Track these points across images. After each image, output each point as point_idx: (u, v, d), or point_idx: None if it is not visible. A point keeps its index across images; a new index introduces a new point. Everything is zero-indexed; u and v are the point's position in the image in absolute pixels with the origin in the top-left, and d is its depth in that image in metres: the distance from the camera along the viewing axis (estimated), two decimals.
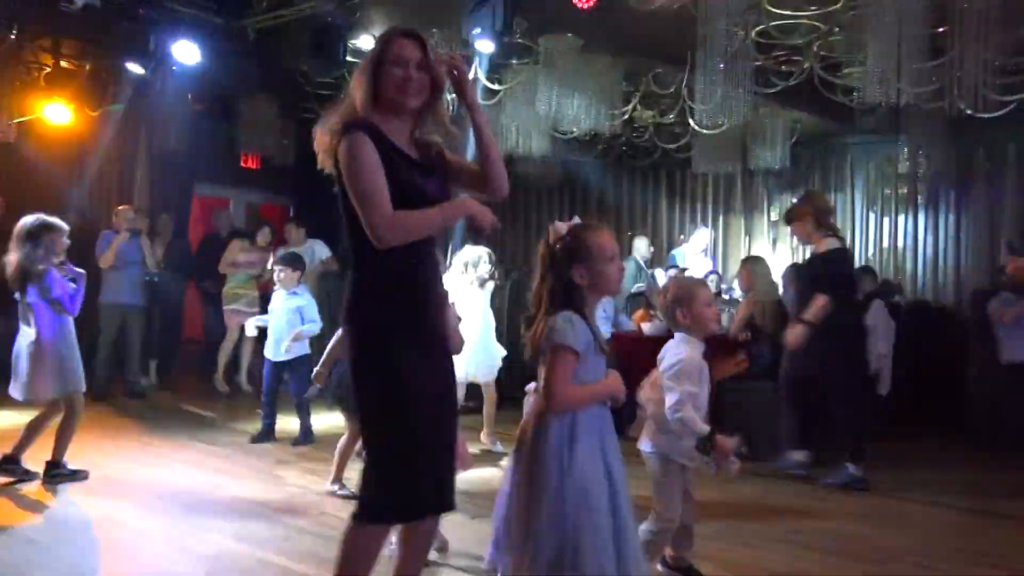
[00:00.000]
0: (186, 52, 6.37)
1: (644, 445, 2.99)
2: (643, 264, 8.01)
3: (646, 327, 6.13)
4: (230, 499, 4.32)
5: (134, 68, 6.67)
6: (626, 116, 7.21)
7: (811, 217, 5.05)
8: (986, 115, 5.46)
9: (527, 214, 11.62)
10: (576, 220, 2.36)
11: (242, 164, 9.89)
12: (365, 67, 2.27)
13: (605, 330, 5.80)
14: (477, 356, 5.39)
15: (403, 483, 2.19)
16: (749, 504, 4.48)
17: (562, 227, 2.30)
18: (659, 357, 2.99)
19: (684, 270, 7.58)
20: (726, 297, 7.40)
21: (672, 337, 3.03)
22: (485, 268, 5.59)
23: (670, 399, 2.83)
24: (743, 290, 6.38)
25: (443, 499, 2.29)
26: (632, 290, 7.34)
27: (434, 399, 2.22)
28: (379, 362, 2.17)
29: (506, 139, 7.23)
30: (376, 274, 2.19)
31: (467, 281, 5.54)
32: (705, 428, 2.80)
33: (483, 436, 5.63)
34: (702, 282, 3.13)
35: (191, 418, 6.72)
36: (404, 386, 2.17)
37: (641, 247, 8.38)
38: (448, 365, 2.35)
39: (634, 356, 4.83)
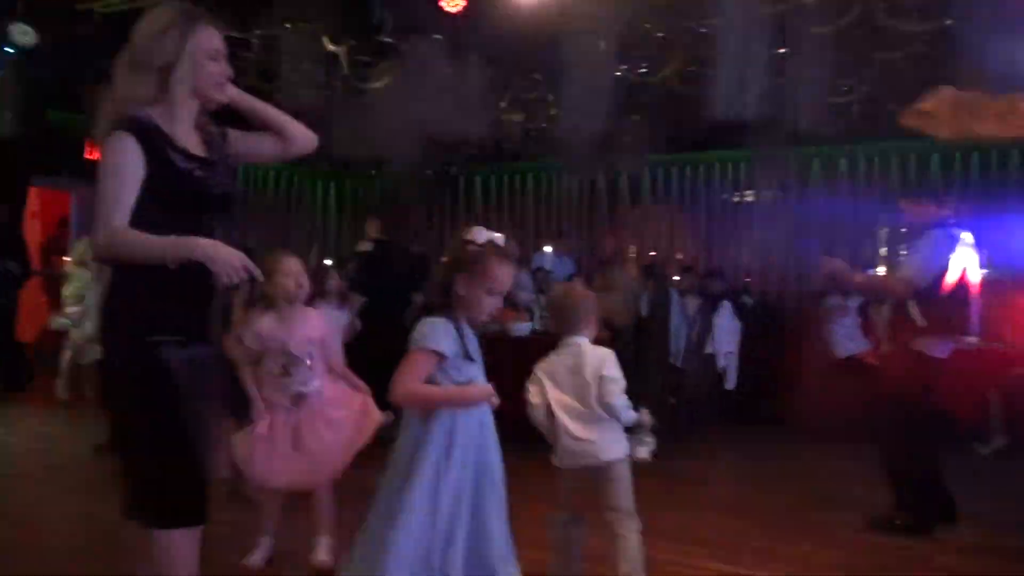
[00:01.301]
0: (23, 34, 5.89)
1: (610, 454, 2.86)
2: None
3: (511, 327, 6.22)
4: None
5: None
6: (494, 121, 7.30)
7: None
8: (823, 131, 5.97)
9: (396, 216, 11.52)
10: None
11: (86, 155, 9.22)
12: (150, 59, 2.07)
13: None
14: None
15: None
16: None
17: (481, 235, 2.29)
18: (544, 364, 2.96)
19: (549, 272, 7.75)
20: None
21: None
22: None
23: (623, 399, 2.83)
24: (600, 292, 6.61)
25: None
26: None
27: (200, 396, 2.11)
28: (141, 359, 2.05)
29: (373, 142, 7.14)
30: (141, 270, 2.03)
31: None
32: (633, 414, 2.85)
33: None
34: (595, 298, 3.12)
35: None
36: (171, 383, 2.05)
37: None
38: (213, 358, 2.24)
39: (498, 355, 4.91)
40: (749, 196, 9.72)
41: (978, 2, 4.61)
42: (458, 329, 2.22)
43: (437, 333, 2.19)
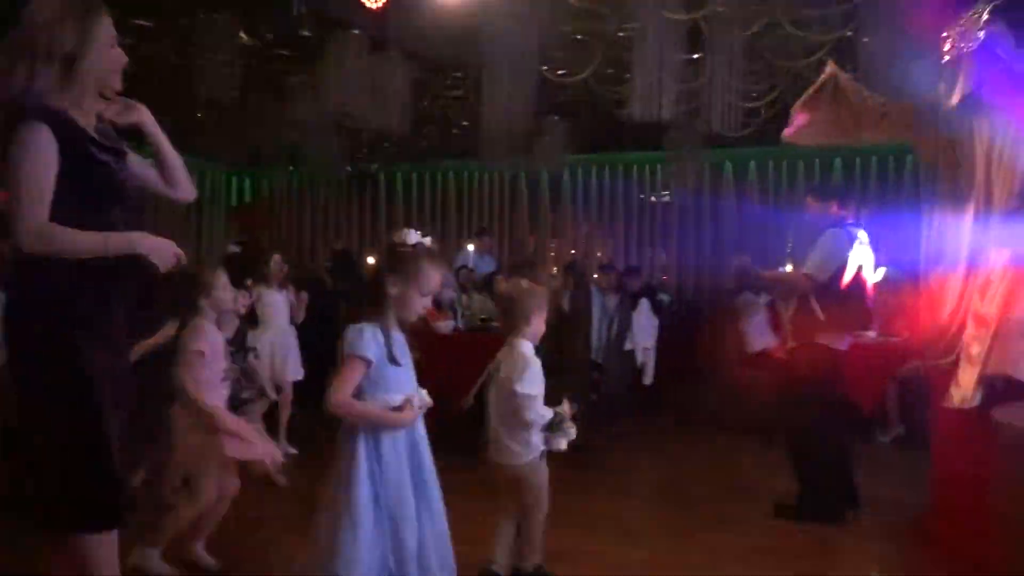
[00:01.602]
0: None
1: (515, 459, 2.94)
2: None
3: (435, 325, 6.23)
4: None
5: None
6: (416, 116, 7.28)
7: None
8: (733, 134, 6.19)
9: (314, 213, 11.37)
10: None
11: None
12: (49, 47, 1.98)
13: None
14: (277, 356, 5.26)
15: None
16: None
17: (411, 237, 2.29)
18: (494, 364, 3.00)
19: (472, 270, 7.77)
20: None
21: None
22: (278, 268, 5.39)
23: (536, 413, 2.88)
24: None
25: None
26: None
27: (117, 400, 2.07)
28: (58, 358, 1.99)
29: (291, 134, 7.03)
30: (48, 267, 1.98)
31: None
32: (549, 412, 2.91)
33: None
34: (544, 293, 3.17)
35: None
36: (86, 382, 2.00)
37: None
38: (127, 363, 2.21)
39: (425, 354, 4.91)
40: (666, 196, 9.99)
41: (877, 13, 4.88)
42: (385, 333, 2.23)
43: (364, 339, 2.19)
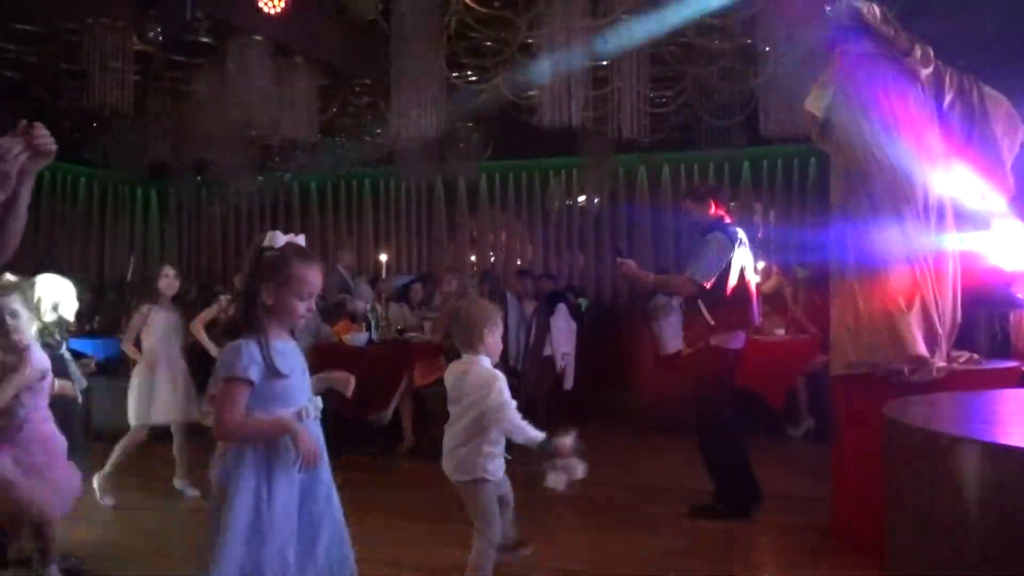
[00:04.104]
0: None
1: (463, 475, 2.88)
2: (346, 275, 7.96)
3: (348, 338, 6.10)
4: None
5: None
6: (323, 125, 7.15)
7: None
8: (644, 139, 6.29)
9: (224, 225, 11.06)
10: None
11: None
12: None
13: (306, 341, 5.58)
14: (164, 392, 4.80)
15: None
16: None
17: (278, 239, 2.18)
18: (454, 380, 2.94)
19: (387, 280, 7.67)
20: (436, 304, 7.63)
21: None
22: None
23: (516, 421, 2.82)
24: (444, 296, 6.63)
25: None
26: (336, 300, 7.27)
27: None
28: None
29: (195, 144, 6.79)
30: None
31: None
32: (539, 434, 2.82)
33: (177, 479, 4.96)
34: (496, 308, 3.11)
35: None
36: None
37: (346, 257, 8.32)
38: None
39: (335, 367, 4.76)
40: (581, 201, 10.10)
41: (773, 24, 5.04)
42: (264, 346, 2.12)
43: (241, 358, 2.09)
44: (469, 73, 6.48)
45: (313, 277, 2.19)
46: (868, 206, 3.69)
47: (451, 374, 2.99)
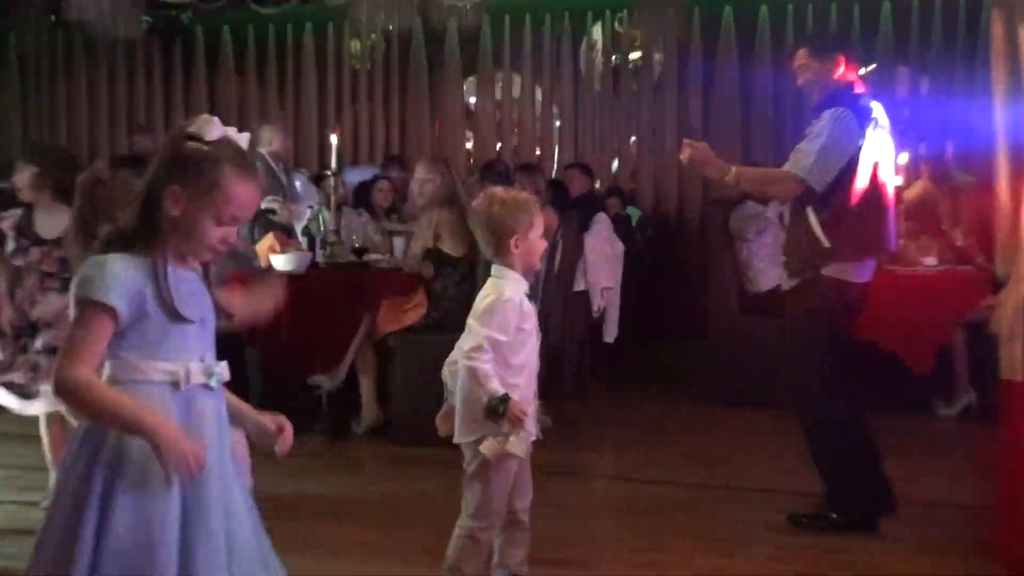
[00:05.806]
0: None
1: (459, 435, 3.22)
2: (274, 165, 7.87)
3: (278, 260, 6.07)
4: None
5: None
6: None
7: None
8: None
9: (92, 89, 11.04)
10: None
11: None
12: None
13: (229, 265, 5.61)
14: None
15: None
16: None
17: (213, 130, 2.17)
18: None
19: (337, 175, 7.61)
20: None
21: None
22: None
23: (468, 341, 3.09)
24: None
25: None
26: (261, 206, 7.24)
27: None
28: None
29: None
30: None
31: None
32: (498, 389, 3.04)
33: None
34: (532, 198, 3.30)
35: None
36: None
37: (274, 140, 8.21)
38: None
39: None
40: (634, 58, 10.00)
41: None
42: (157, 271, 2.11)
43: (110, 277, 2.08)
44: None
45: (246, 198, 2.22)
46: None
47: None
